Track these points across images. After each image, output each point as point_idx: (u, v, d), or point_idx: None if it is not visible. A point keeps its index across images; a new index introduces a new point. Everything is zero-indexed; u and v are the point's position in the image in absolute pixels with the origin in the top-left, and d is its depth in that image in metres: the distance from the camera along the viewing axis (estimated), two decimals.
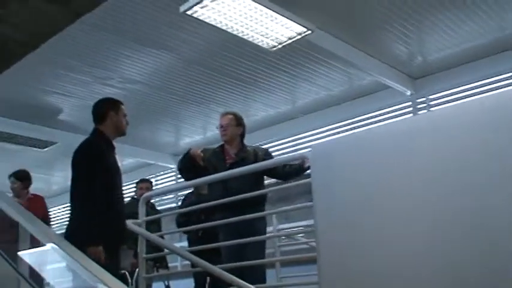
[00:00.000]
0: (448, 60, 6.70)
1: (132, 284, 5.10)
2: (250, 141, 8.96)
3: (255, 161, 4.60)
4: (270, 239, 5.74)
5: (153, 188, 7.34)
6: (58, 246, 2.78)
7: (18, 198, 6.45)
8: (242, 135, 4.95)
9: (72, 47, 6.06)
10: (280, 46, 5.87)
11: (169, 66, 6.67)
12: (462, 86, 6.77)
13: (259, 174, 4.61)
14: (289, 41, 5.75)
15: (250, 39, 5.75)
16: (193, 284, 5.63)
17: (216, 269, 3.84)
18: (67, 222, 3.99)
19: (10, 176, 6.67)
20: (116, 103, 4.24)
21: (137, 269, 5.01)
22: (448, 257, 2.71)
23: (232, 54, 6.39)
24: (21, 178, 6.60)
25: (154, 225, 4.85)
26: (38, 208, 6.31)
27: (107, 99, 4.33)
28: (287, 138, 8.56)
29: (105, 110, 4.16)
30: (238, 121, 4.93)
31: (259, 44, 5.84)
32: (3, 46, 0.79)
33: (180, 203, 6.58)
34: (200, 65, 6.66)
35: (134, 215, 4.66)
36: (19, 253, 3.17)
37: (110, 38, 5.91)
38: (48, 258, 3.26)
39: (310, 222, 3.86)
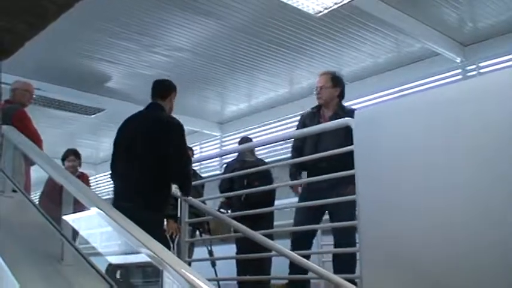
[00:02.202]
0: (500, 27, 6.46)
1: (173, 248, 5.19)
2: (295, 109, 8.96)
3: None
4: None
5: (195, 155, 7.42)
6: (102, 210, 2.83)
7: None
8: (340, 96, 4.57)
9: (120, 15, 6.11)
10: (325, 11, 5.76)
11: (215, 34, 6.65)
12: None
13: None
14: (335, 6, 5.63)
15: (295, 4, 5.66)
16: (235, 250, 5.70)
17: (256, 235, 3.85)
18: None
19: None
20: (176, 89, 4.47)
21: (178, 234, 5.12)
22: (492, 225, 2.64)
23: (277, 21, 6.32)
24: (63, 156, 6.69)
25: (194, 192, 4.88)
26: None
27: (171, 82, 4.51)
28: None
29: (171, 90, 4.43)
30: (335, 81, 4.58)
31: (304, 9, 5.74)
32: (38, 6, 0.79)
33: (223, 170, 6.61)
34: (246, 33, 6.61)
35: None
36: (63, 216, 3.24)
37: (158, 6, 5.92)
38: (92, 222, 3.33)
39: None
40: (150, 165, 4.03)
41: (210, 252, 5.99)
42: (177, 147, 4.10)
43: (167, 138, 4.08)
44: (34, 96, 5.91)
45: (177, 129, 4.17)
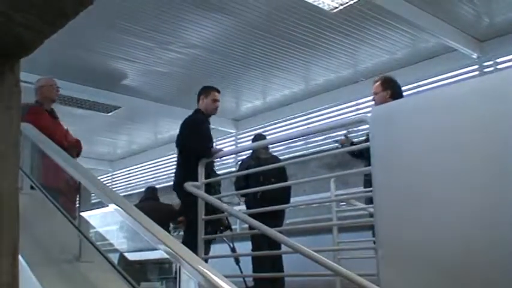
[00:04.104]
0: None
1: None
2: (309, 106, 8.94)
3: None
4: (328, 204, 5.73)
5: None
6: (120, 207, 2.84)
7: None
8: (393, 97, 4.52)
9: (135, 12, 6.13)
10: (341, 7, 5.74)
11: (230, 31, 6.65)
12: None
13: None
14: (351, 2, 5.62)
15: (311, 1, 5.64)
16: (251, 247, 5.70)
17: (272, 231, 3.85)
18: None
19: None
20: (207, 88, 5.58)
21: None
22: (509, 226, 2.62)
23: (292, 18, 6.29)
24: None
25: (209, 189, 4.88)
26: None
27: (202, 87, 5.66)
28: (348, 102, 8.43)
29: (200, 94, 5.55)
30: (385, 85, 4.69)
31: (320, 5, 5.73)
32: (56, 2, 0.80)
33: (238, 168, 6.62)
34: (260, 29, 6.60)
35: None
36: (81, 213, 3.26)
37: (172, 3, 5.93)
38: (110, 219, 3.35)
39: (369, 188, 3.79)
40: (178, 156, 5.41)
41: (233, 249, 5.92)
42: (180, 136, 5.41)
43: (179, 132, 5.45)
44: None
45: (182, 125, 5.49)
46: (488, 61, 6.97)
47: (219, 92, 5.61)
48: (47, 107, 5.29)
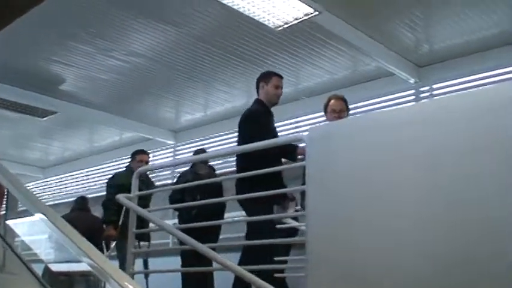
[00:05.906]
0: (455, 50, 6.60)
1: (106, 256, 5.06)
2: None
3: None
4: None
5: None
6: (46, 216, 2.75)
7: None
8: None
9: (78, 16, 6.00)
10: (285, 26, 5.80)
11: (173, 42, 6.60)
12: (467, 76, 6.63)
13: None
14: (296, 22, 5.68)
15: (256, 18, 5.67)
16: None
17: (204, 247, 3.80)
18: None
19: None
20: (267, 74, 4.75)
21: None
22: (440, 249, 2.67)
23: (237, 33, 6.31)
24: None
25: (140, 202, 4.72)
26: None
27: (261, 73, 4.81)
28: (288, 120, 8.47)
29: (259, 80, 4.71)
30: (347, 105, 4.99)
31: (265, 22, 5.77)
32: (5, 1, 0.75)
33: (175, 180, 6.53)
34: (205, 42, 6.58)
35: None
36: (7, 222, 3.13)
37: (116, 10, 5.84)
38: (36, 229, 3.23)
39: None
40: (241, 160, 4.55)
41: (146, 264, 5.79)
42: (240, 133, 4.68)
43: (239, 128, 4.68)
44: None
45: (242, 118, 4.70)
46: (425, 86, 7.16)
47: (281, 77, 4.77)
48: None
